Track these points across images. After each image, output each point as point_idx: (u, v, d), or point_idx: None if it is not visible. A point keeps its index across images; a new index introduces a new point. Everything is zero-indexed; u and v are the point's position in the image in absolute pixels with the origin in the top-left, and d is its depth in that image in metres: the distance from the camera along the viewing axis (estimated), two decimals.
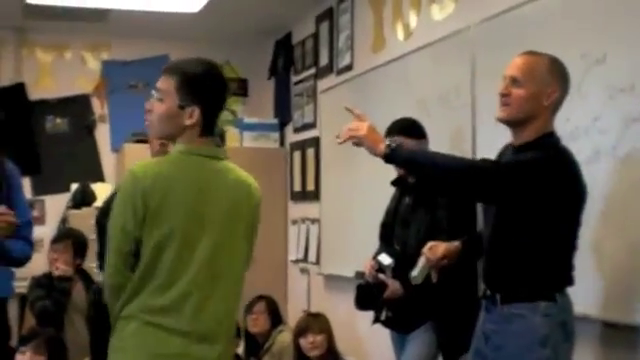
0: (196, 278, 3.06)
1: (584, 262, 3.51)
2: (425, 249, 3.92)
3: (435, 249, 3.89)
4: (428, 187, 4.09)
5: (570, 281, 3.33)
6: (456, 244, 3.91)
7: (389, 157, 3.33)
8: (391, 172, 4.59)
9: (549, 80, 3.30)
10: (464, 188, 3.34)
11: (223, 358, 3.17)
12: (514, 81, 3.32)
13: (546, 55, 3.37)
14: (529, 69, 3.31)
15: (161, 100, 3.12)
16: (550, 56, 3.37)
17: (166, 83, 3.12)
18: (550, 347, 3.23)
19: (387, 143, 3.33)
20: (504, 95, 3.34)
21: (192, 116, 3.09)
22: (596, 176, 3.72)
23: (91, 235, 5.98)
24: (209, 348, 3.10)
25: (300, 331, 5.72)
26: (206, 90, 3.12)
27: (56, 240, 6.06)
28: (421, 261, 3.92)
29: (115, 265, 3.06)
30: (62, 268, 5.80)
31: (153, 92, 3.16)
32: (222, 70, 3.29)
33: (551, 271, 3.29)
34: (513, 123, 3.35)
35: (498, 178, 3.22)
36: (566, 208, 3.25)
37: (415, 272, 3.93)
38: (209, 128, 3.15)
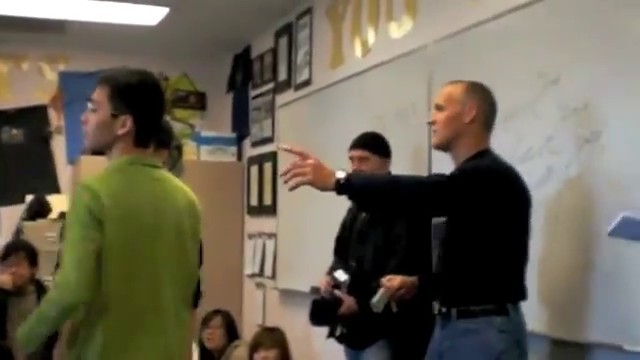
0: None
1: (534, 279, 3.58)
2: (384, 280, 4.09)
3: (393, 280, 4.08)
4: (384, 210, 4.18)
5: (523, 294, 3.40)
6: (412, 279, 4.09)
7: (340, 191, 3.24)
8: None
9: (466, 99, 3.50)
10: (419, 205, 3.37)
11: None
12: (438, 107, 3.56)
13: (467, 81, 3.60)
14: (449, 94, 3.55)
15: (95, 111, 3.09)
16: (470, 81, 3.60)
17: (99, 93, 3.09)
18: None
19: (337, 178, 3.22)
20: (431, 123, 3.58)
21: (125, 125, 3.06)
22: (548, 195, 3.77)
23: (46, 247, 5.96)
24: None
25: (254, 346, 5.72)
26: (138, 98, 3.09)
27: (9, 253, 6.00)
28: (380, 290, 4.10)
29: (79, 280, 2.93)
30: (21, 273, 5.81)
31: (89, 104, 3.12)
32: (158, 80, 3.26)
33: (503, 282, 3.35)
34: (445, 147, 3.55)
35: (447, 189, 3.29)
36: (512, 213, 3.35)
37: (375, 299, 4.10)
38: (144, 138, 3.12)
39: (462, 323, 3.36)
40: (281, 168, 7.04)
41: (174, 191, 3.20)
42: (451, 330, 3.40)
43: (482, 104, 3.52)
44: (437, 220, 3.67)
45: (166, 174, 3.24)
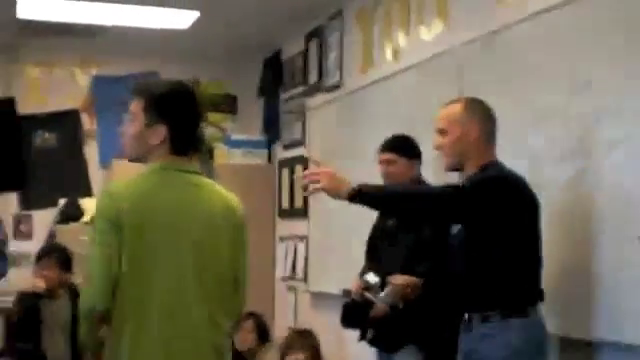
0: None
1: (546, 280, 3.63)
2: (390, 278, 4.22)
3: (397, 277, 4.21)
4: (399, 218, 4.31)
5: (540, 296, 3.53)
6: (417, 280, 4.20)
7: (353, 200, 3.48)
8: None
9: (467, 118, 3.62)
10: (428, 215, 3.62)
11: None
12: (441, 132, 3.68)
13: (463, 99, 3.77)
14: (448, 117, 3.67)
15: (132, 121, 3.19)
16: (467, 98, 3.77)
17: (135, 105, 3.18)
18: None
19: (349, 188, 3.46)
20: (438, 148, 3.71)
21: (158, 135, 3.14)
22: (580, 197, 3.76)
23: (79, 250, 5.99)
24: None
25: (285, 348, 5.73)
26: (172, 108, 3.16)
27: (41, 257, 6.06)
28: (388, 287, 4.24)
29: (96, 285, 3.03)
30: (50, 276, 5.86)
31: (126, 115, 3.22)
32: (193, 89, 3.30)
33: (521, 286, 3.48)
34: (456, 168, 3.69)
35: (456, 199, 3.46)
36: (522, 219, 3.48)
37: (382, 293, 4.25)
38: (181, 146, 3.18)
39: (483, 326, 3.49)
40: (312, 170, 7.05)
41: (210, 195, 3.23)
42: (474, 334, 3.53)
43: (482, 120, 3.65)
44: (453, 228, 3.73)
45: (205, 180, 3.27)
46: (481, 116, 3.66)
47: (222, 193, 3.29)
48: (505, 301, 3.45)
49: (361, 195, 3.46)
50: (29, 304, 5.81)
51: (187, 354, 3.10)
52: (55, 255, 6.01)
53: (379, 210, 3.82)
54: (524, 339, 3.42)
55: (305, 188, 3.62)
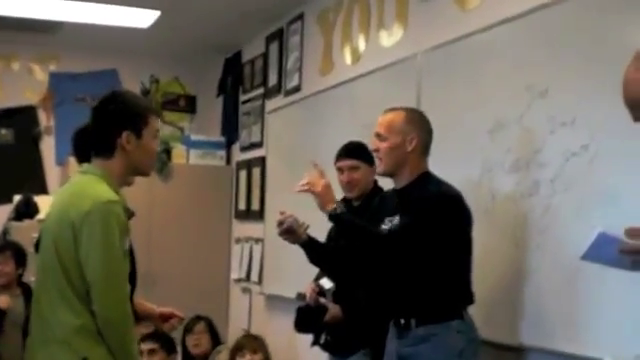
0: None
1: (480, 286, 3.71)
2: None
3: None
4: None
5: (471, 298, 3.67)
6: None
7: (332, 217, 3.70)
8: (336, 194, 4.61)
9: (408, 129, 3.69)
10: (380, 259, 3.66)
11: None
12: (379, 136, 3.74)
13: (404, 108, 3.82)
14: (389, 124, 3.73)
15: None
16: (408, 108, 3.85)
17: None
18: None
19: (334, 207, 3.68)
20: (375, 151, 3.79)
21: None
22: (534, 208, 3.78)
23: (32, 248, 5.94)
24: None
25: (235, 350, 5.74)
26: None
27: None
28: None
29: None
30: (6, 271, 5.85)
31: None
32: (100, 99, 3.40)
33: (457, 290, 3.62)
34: (390, 173, 3.76)
35: (401, 247, 3.55)
36: (463, 231, 3.63)
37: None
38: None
39: (422, 330, 3.59)
40: (270, 173, 7.06)
41: (65, 195, 3.33)
42: (411, 338, 3.62)
43: (421, 133, 3.72)
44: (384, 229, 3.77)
45: (80, 179, 3.33)
46: (421, 128, 3.73)
47: (76, 190, 3.27)
48: (443, 304, 3.57)
49: (338, 218, 3.69)
50: None
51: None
52: (10, 250, 5.98)
53: (347, 235, 3.85)
54: (465, 339, 3.55)
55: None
